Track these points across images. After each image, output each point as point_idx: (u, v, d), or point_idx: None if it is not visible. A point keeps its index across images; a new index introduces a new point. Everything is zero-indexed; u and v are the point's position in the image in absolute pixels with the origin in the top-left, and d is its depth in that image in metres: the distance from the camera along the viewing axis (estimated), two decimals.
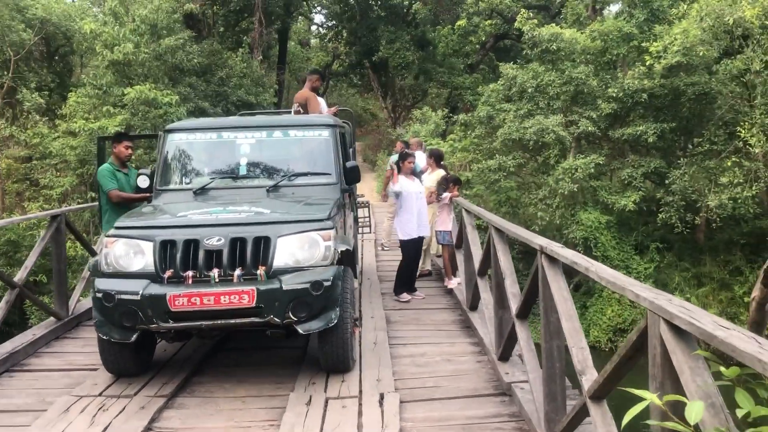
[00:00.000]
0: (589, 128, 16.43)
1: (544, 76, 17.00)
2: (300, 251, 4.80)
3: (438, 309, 7.15)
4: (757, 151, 13.62)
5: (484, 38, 28.54)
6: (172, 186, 5.95)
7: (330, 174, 5.91)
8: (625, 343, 2.65)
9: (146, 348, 5.30)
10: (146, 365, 5.29)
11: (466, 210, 7.00)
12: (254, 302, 4.58)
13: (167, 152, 6.05)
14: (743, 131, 14.08)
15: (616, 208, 16.06)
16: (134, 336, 4.77)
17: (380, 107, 32.49)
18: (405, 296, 7.62)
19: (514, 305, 4.46)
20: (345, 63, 38.19)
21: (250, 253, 4.74)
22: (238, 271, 4.69)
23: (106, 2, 17.77)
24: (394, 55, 24.72)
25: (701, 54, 14.12)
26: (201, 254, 4.74)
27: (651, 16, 16.74)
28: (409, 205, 7.44)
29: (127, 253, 4.82)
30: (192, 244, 4.78)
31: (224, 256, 4.73)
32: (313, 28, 39.01)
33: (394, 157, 8.95)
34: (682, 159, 15.79)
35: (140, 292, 4.59)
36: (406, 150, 8.43)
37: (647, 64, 15.20)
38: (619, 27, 16.72)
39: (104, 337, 4.84)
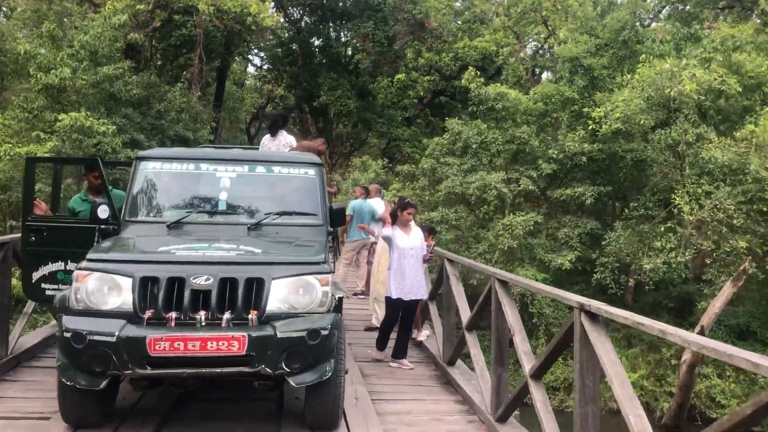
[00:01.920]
0: (530, 187, 16.78)
1: (488, 133, 17.29)
2: (295, 296, 4.46)
3: (412, 362, 6.84)
4: (691, 218, 14.12)
5: (422, 93, 29.08)
6: (142, 218, 5.48)
7: (316, 215, 5.60)
8: None
9: (109, 395, 4.76)
10: (108, 415, 4.75)
11: (448, 260, 6.80)
12: (244, 350, 4.19)
13: (138, 181, 5.59)
14: (677, 198, 14.63)
15: (553, 266, 16.32)
16: (104, 383, 4.27)
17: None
18: (377, 353, 7.20)
19: (528, 364, 4.26)
20: (279, 106, 38.02)
21: (241, 296, 4.36)
22: (227, 315, 4.30)
23: (43, 24, 16.93)
24: (335, 102, 24.72)
25: (641, 122, 14.69)
26: (187, 294, 4.32)
27: (590, 83, 17.37)
28: (397, 259, 6.89)
29: (101, 289, 4.35)
30: (176, 283, 4.35)
31: (213, 298, 4.33)
32: (251, 69, 38.73)
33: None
34: (617, 222, 16.25)
35: (116, 334, 4.13)
36: (408, 200, 7.50)
37: (590, 128, 15.69)
38: (561, 91, 17.27)
39: (68, 383, 4.30)
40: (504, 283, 4.84)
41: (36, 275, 5.95)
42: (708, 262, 14.35)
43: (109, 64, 17.80)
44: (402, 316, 7.03)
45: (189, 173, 5.71)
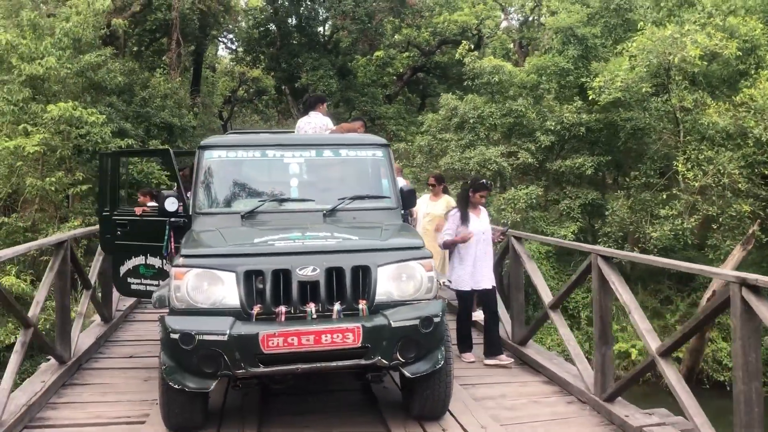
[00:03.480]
0: (529, 160, 16.72)
1: (485, 107, 17.14)
2: (402, 283, 4.28)
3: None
4: (696, 184, 14.20)
5: (401, 70, 28.77)
6: (212, 209, 5.21)
7: (389, 197, 5.39)
8: None
9: (206, 396, 4.54)
10: (207, 417, 4.53)
11: (515, 238, 6.65)
12: (360, 341, 4.01)
13: (204, 171, 5.31)
14: (679, 165, 14.70)
15: (556, 237, 16.32)
16: (213, 384, 4.05)
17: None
18: (467, 356, 6.43)
19: (653, 343, 4.12)
20: (252, 89, 37.35)
21: (349, 285, 4.15)
22: (337, 306, 4.09)
23: (22, 13, 16.19)
24: (317, 82, 24.25)
25: (643, 90, 14.67)
26: (294, 286, 4.10)
27: (584, 53, 17.28)
28: (466, 246, 6.28)
29: (202, 286, 4.12)
30: (282, 275, 4.13)
31: (321, 289, 4.13)
32: (222, 52, 37.92)
33: None
34: (619, 191, 16.29)
35: (227, 332, 3.90)
36: (482, 180, 6.71)
37: (590, 98, 15.63)
38: (556, 62, 17.17)
39: (176, 386, 4.07)
40: (608, 259, 4.71)
41: (123, 269, 5.74)
42: (714, 227, 14.45)
43: (90, 52, 17.19)
44: (485, 308, 6.48)
45: (256, 160, 5.46)
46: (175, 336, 3.96)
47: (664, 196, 15.32)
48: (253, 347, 3.94)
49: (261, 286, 4.14)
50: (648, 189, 16.16)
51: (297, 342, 3.96)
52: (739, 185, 14.12)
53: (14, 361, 4.64)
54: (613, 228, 15.80)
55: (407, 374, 4.20)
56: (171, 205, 5.14)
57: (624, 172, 17.45)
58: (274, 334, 3.95)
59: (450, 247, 6.38)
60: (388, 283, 4.24)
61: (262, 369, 4.00)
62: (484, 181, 6.61)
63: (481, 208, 6.48)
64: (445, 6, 27.48)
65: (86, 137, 15.75)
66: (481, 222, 6.42)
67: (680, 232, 14.47)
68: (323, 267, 4.17)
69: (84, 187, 15.59)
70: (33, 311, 5.06)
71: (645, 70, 14.32)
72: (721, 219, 14.29)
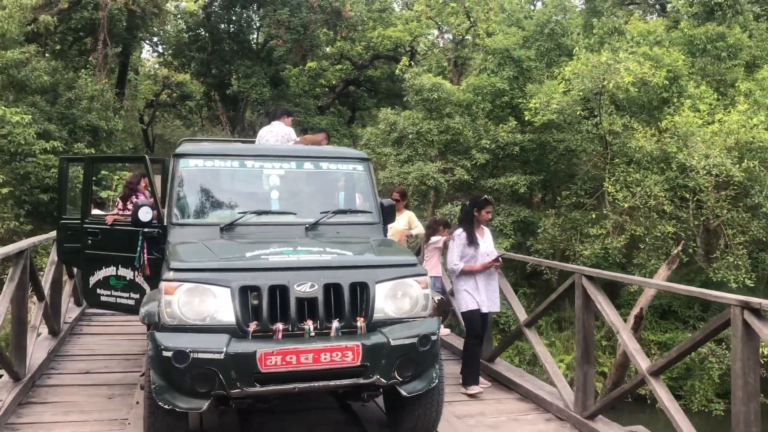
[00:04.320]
0: (465, 176, 17.01)
1: (423, 123, 17.34)
2: (399, 300, 4.24)
3: (445, 360, 6.68)
4: (625, 206, 14.81)
5: (334, 82, 28.77)
6: (189, 220, 5.02)
7: (371, 212, 5.35)
8: None
9: (186, 417, 4.35)
10: None
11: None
12: (359, 360, 3.94)
13: (179, 180, 5.11)
14: (609, 187, 15.31)
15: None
16: (206, 404, 3.88)
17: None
18: (474, 388, 5.85)
19: (644, 363, 4.22)
20: (175, 93, 36.43)
21: (347, 302, 4.08)
22: (335, 323, 4.01)
23: None
24: (250, 90, 23.92)
25: (578, 113, 15.21)
26: (292, 303, 4.00)
27: (520, 74, 17.77)
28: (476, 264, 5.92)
29: (195, 302, 3.95)
30: (278, 291, 4.02)
31: (319, 306, 4.03)
32: (145, 55, 36.81)
33: None
34: (550, 210, 16.79)
35: (224, 350, 3.76)
36: (484, 196, 6.28)
37: (526, 119, 16.07)
38: (492, 82, 17.58)
39: (166, 407, 3.87)
40: (592, 279, 4.82)
41: (92, 280, 5.41)
42: (641, 246, 15.09)
43: (13, 48, 16.36)
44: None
45: (235, 170, 5.30)
46: (168, 354, 3.77)
47: (593, 216, 15.89)
48: (250, 366, 3.79)
49: (256, 302, 4.01)
50: (577, 208, 16.73)
51: (296, 360, 3.84)
52: (664, 207, 14.80)
53: None
54: (545, 245, 16.26)
55: (404, 393, 4.15)
56: (145, 214, 4.92)
57: (554, 191, 18.00)
58: (272, 352, 3.82)
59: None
60: (385, 300, 4.19)
61: (258, 389, 3.85)
62: (487, 196, 6.29)
63: (483, 226, 6.24)
64: (379, 21, 27.72)
65: (7, 138, 14.95)
66: (485, 242, 6.11)
67: (609, 251, 15.02)
68: (321, 283, 4.06)
69: (4, 190, 14.78)
70: None
71: (580, 94, 14.84)
72: (647, 239, 14.93)
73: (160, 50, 30.65)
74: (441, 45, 24.29)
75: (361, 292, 4.15)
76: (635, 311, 14.40)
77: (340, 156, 5.63)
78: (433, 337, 4.17)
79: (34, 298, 6.35)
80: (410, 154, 17.21)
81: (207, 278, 3.99)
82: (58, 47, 23.37)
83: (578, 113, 15.28)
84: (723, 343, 15.14)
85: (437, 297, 4.51)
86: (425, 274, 4.39)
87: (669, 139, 15.54)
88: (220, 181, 5.31)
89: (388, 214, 5.43)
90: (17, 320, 5.26)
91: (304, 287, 4.03)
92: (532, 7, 23.98)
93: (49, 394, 5.35)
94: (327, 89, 28.82)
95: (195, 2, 18.19)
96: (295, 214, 5.13)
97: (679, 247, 14.21)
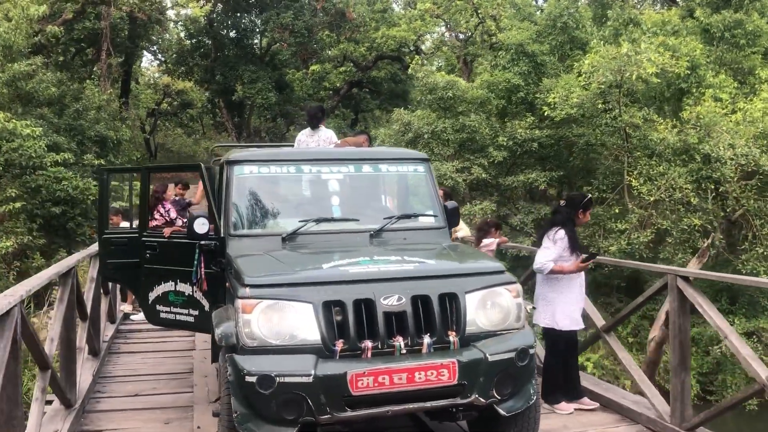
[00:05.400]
0: (482, 175, 16.72)
1: (438, 122, 17.04)
2: (491, 311, 3.94)
3: None
4: (651, 199, 14.52)
5: (338, 84, 28.45)
6: (247, 230, 4.72)
7: (437, 216, 5.05)
8: None
9: None
10: None
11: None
12: (455, 379, 3.64)
13: (235, 189, 4.81)
14: (633, 181, 15.02)
15: (510, 253, 16.36)
16: None
17: (226, 149, 30.85)
18: (564, 406, 5.32)
19: (762, 370, 3.90)
20: (176, 101, 36.11)
21: (438, 315, 3.77)
22: (427, 339, 3.71)
23: None
24: (256, 95, 23.61)
25: (598, 107, 14.92)
26: (380, 317, 3.69)
27: (534, 69, 17.49)
28: (571, 277, 5.35)
29: (277, 320, 3.65)
30: (363, 305, 3.71)
31: (408, 320, 3.72)
32: (145, 64, 36.51)
33: None
34: None
35: (312, 373, 3.45)
36: (589, 196, 5.64)
37: (545, 114, 15.78)
38: (507, 78, 17.29)
39: None
40: (688, 280, 4.52)
41: (152, 296, 5.11)
42: (668, 240, 14.80)
43: (20, 60, 16.06)
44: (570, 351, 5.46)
45: (291, 176, 5.00)
46: (252, 379, 3.46)
47: (617, 210, 15.61)
48: (340, 389, 3.50)
49: (339, 318, 3.70)
50: (599, 204, 16.43)
51: (388, 381, 3.54)
52: (690, 199, 14.51)
53: (35, 411, 4.00)
54: None
55: (503, 412, 3.83)
56: (201, 226, 4.60)
57: (572, 187, 17.70)
58: (364, 372, 3.52)
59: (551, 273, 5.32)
60: (475, 311, 3.89)
61: (349, 413, 3.55)
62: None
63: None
64: (382, 21, 27.41)
65: (18, 151, 14.64)
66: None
67: (635, 246, 14.73)
68: (408, 295, 3.77)
69: (17, 205, 14.46)
70: (48, 350, 4.39)
71: (601, 87, 14.55)
72: (674, 232, 14.64)
73: (162, 59, 30.29)
74: (449, 43, 23.96)
75: (450, 304, 3.84)
76: (665, 308, 14.16)
77: (400, 157, 5.34)
78: (531, 351, 3.88)
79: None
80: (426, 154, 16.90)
81: (287, 294, 3.69)
82: (61, 58, 23.06)
83: (599, 107, 14.98)
84: (754, 336, 14.90)
85: (529, 306, 4.20)
86: (516, 282, 4.09)
87: (691, 130, 15.25)
88: (278, 188, 5.03)
89: (452, 217, 5.13)
90: (66, 343, 4.94)
91: (391, 300, 3.72)
92: (539, 2, 23.73)
93: (103, 420, 5.05)
94: (331, 92, 28.52)
95: (201, 8, 17.88)
96: (358, 220, 4.83)
97: (710, 240, 13.93)
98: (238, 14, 25.44)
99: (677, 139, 15.34)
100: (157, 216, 8.67)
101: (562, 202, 5.69)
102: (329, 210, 4.86)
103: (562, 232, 5.29)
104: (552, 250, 5.28)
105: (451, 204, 5.21)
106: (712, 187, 15.28)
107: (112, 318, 8.04)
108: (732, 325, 14.91)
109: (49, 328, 4.71)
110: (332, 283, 3.77)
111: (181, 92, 35.43)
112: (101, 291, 7.09)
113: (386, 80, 28.95)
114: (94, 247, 6.50)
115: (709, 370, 15.35)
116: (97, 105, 18.79)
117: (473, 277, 3.99)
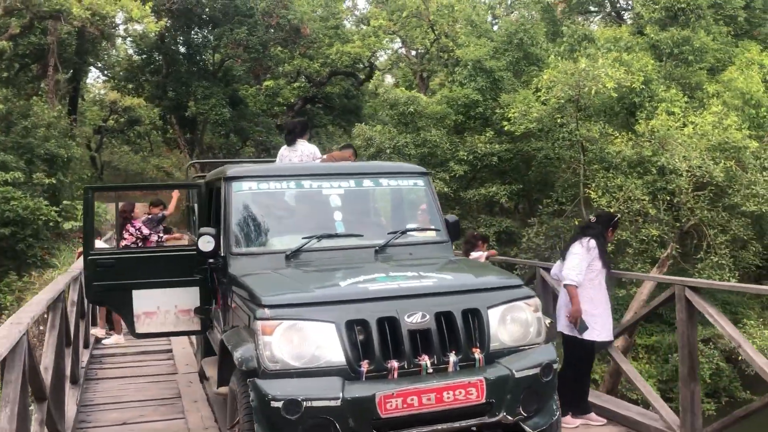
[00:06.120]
0: (444, 189, 16.81)
1: (400, 138, 17.10)
2: (512, 326, 3.90)
3: None
4: (611, 210, 14.79)
5: (292, 100, 28.26)
6: (250, 248, 4.59)
7: (440, 230, 5.00)
8: None
9: None
10: None
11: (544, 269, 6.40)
12: (483, 397, 3.58)
13: (234, 205, 4.67)
14: (592, 193, 15.32)
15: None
16: None
17: (177, 166, 30.31)
18: (570, 420, 5.29)
19: None
20: (123, 118, 35.27)
21: (462, 331, 3.72)
22: (453, 357, 3.64)
23: None
24: (209, 111, 23.22)
25: (558, 121, 15.21)
26: (404, 336, 3.61)
27: (492, 85, 17.73)
28: (599, 286, 5.31)
29: (296, 341, 3.53)
30: (387, 323, 3.63)
31: (433, 337, 3.65)
32: (90, 80, 35.60)
33: None
34: (533, 218, 16.73)
35: (340, 396, 3.35)
36: (617, 216, 5.95)
37: (504, 128, 16.00)
38: (466, 93, 17.48)
39: None
40: (697, 290, 4.57)
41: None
42: (629, 251, 15.11)
43: None
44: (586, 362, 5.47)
45: (292, 192, 4.90)
46: (278, 404, 3.32)
47: (576, 222, 15.87)
48: (369, 412, 3.40)
49: (362, 337, 3.61)
50: (558, 216, 16.72)
51: (417, 402, 3.45)
52: (648, 210, 14.87)
53: None
54: (529, 254, 16.14)
55: (529, 430, 3.78)
56: (206, 244, 4.46)
57: (532, 199, 17.97)
58: (392, 394, 3.42)
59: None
60: (498, 327, 3.85)
61: None
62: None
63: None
64: (335, 38, 27.38)
65: None
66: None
67: None
68: (432, 312, 3.70)
69: None
70: (46, 378, 4.13)
71: (560, 101, 14.84)
72: (633, 243, 14.95)
73: (109, 75, 29.52)
74: (404, 58, 24.10)
75: (473, 320, 3.79)
76: (629, 315, 14.44)
77: (400, 171, 5.28)
78: (555, 366, 3.85)
79: None
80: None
81: (308, 314, 3.58)
82: (5, 74, 22.27)
83: (558, 121, 15.27)
84: (711, 343, 15.31)
85: (547, 321, 4.17)
86: (534, 296, 4.07)
87: (646, 143, 15.67)
88: (278, 204, 4.90)
89: (454, 231, 5.09)
90: (56, 371, 4.67)
91: (415, 317, 3.65)
92: (490, 18, 24.12)
93: None
94: (285, 107, 28.29)
95: (155, 23, 17.55)
96: (362, 235, 4.74)
97: (669, 250, 14.29)
98: (191, 30, 25.02)
99: (633, 152, 15.74)
100: (126, 235, 8.43)
101: (592, 219, 5.70)
102: (332, 226, 4.76)
103: (594, 242, 5.33)
104: (583, 257, 5.27)
105: (451, 218, 5.16)
106: (668, 198, 15.69)
107: (86, 343, 7.72)
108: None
109: (43, 356, 4.45)
110: (353, 301, 3.68)
111: (129, 109, 34.67)
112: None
113: (339, 96, 28.93)
114: (75, 269, 6.22)
115: (669, 377, 15.68)
116: (46, 122, 18.19)
117: (493, 291, 3.95)
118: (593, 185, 15.52)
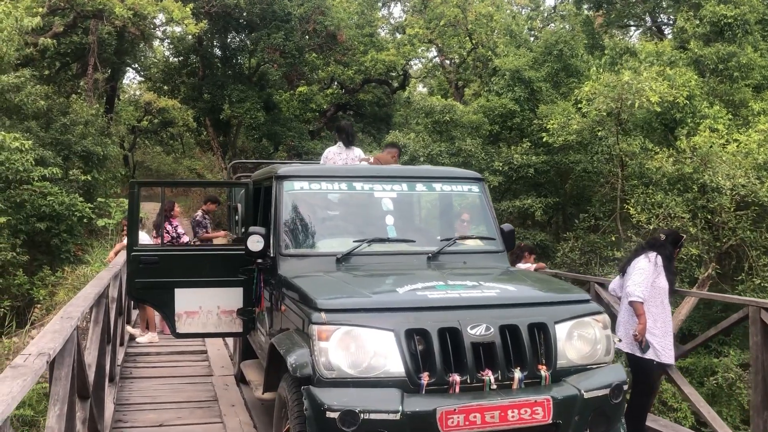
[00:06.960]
0: None
1: (434, 146, 16.94)
2: (579, 343, 3.71)
3: None
4: (651, 227, 14.47)
5: (325, 106, 28.27)
6: (300, 250, 4.45)
7: (494, 239, 4.82)
8: None
9: None
10: None
11: (599, 284, 6.18)
12: (550, 417, 3.39)
13: (285, 205, 4.54)
14: (631, 209, 14.99)
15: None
16: None
17: (209, 168, 30.45)
18: None
19: None
20: (157, 119, 35.61)
21: (528, 347, 3.52)
22: (518, 373, 3.45)
23: None
24: (244, 115, 23.29)
25: (599, 134, 14.93)
26: (467, 348, 3.43)
27: (530, 95, 17.52)
28: (662, 305, 5.12)
29: (352, 348, 3.37)
30: (448, 334, 3.45)
31: (498, 352, 3.47)
32: (126, 81, 36.01)
33: None
34: (569, 233, 16.43)
35: (400, 409, 3.18)
36: (683, 235, 5.93)
37: (542, 140, 15.76)
38: (504, 104, 17.28)
39: None
40: None
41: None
42: None
43: (8, 72, 15.65)
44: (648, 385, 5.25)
45: (343, 194, 4.75)
46: (334, 415, 3.18)
47: (613, 238, 15.57)
48: (429, 427, 3.25)
49: (421, 347, 3.43)
50: (594, 231, 16.40)
51: (480, 420, 3.29)
52: (689, 228, 14.50)
53: None
54: (563, 269, 15.84)
55: None
56: (256, 243, 4.33)
57: (567, 213, 17.68)
58: (454, 410, 3.26)
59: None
60: (565, 343, 3.66)
61: None
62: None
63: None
64: (370, 45, 27.37)
65: (4, 164, 14.14)
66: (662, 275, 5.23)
67: None
68: (496, 324, 3.52)
69: (2, 219, 13.94)
70: (91, 378, 4.02)
71: (602, 114, 14.58)
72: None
73: (146, 76, 29.80)
74: (441, 67, 23.96)
75: (538, 335, 3.60)
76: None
77: (454, 176, 5.11)
78: (625, 387, 3.64)
79: None
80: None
81: (365, 320, 3.42)
82: (47, 72, 22.56)
83: (598, 134, 14.99)
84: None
85: (616, 338, 3.97)
86: (603, 312, 3.87)
87: (688, 160, 15.31)
88: (329, 206, 4.78)
89: (509, 240, 4.90)
90: (98, 368, 4.57)
91: (479, 330, 3.47)
92: (529, 30, 23.90)
93: None
94: (317, 113, 28.32)
95: (196, 25, 17.62)
96: (414, 241, 4.58)
97: (709, 270, 13.92)
98: (228, 33, 25.15)
99: (674, 168, 15.38)
100: (164, 234, 8.44)
101: (662, 236, 5.47)
102: (383, 230, 4.61)
103: (660, 258, 5.15)
104: (650, 273, 5.08)
105: (507, 226, 4.97)
106: (708, 216, 15.31)
107: (121, 340, 7.64)
108: (727, 356, 14.93)
109: (86, 352, 4.34)
110: (413, 309, 3.52)
111: (163, 110, 35.02)
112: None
113: (371, 103, 28.90)
114: (116, 265, 6.14)
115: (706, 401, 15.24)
116: (84, 120, 18.32)
117: (560, 305, 3.77)
118: (632, 201, 15.20)
